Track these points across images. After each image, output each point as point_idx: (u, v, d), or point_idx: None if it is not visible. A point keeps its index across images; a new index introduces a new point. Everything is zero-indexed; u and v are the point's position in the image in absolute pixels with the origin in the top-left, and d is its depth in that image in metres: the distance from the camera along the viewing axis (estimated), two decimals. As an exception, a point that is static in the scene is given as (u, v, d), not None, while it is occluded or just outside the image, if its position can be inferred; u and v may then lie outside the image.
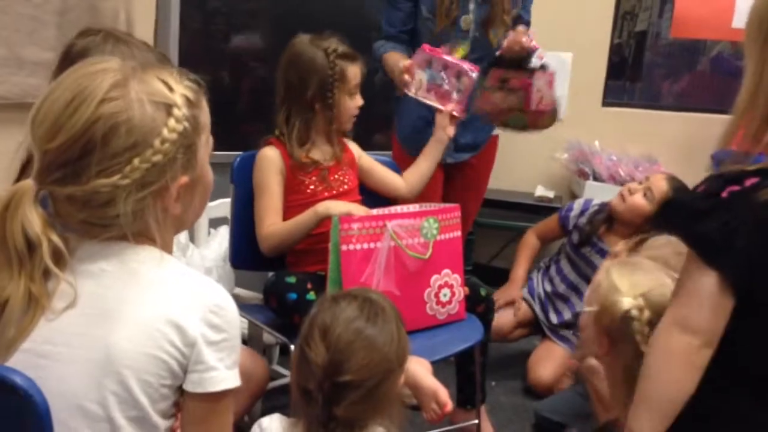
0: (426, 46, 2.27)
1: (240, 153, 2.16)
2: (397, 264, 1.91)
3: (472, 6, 2.52)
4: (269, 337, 2.14)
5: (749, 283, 1.01)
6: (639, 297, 1.33)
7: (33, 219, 1.00)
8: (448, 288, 2.02)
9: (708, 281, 1.03)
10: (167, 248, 1.09)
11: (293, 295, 1.91)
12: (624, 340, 1.34)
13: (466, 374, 2.27)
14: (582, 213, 2.77)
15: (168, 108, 1.03)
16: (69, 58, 1.46)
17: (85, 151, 0.99)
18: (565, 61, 3.25)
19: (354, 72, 2.09)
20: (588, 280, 2.55)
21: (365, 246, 1.87)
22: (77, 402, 0.99)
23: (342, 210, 1.90)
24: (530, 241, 2.92)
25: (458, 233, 2.05)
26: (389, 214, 1.92)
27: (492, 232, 3.60)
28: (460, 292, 2.05)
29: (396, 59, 2.44)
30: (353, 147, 2.25)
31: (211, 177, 1.15)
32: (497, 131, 2.87)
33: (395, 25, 2.60)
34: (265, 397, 2.12)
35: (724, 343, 1.07)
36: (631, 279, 1.37)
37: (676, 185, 2.50)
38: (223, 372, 1.03)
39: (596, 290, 1.43)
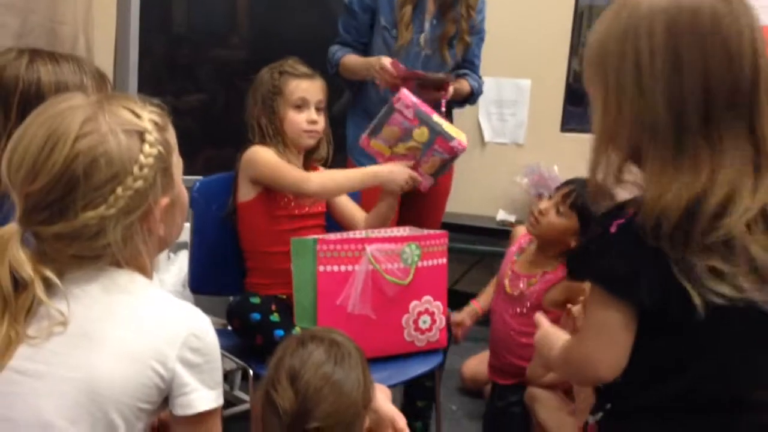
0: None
1: (200, 178, 2.15)
2: (375, 288, 1.89)
3: (427, 25, 2.57)
4: (230, 362, 2.12)
5: (663, 303, 1.02)
6: None
7: (22, 260, 1.02)
8: (428, 315, 1.99)
9: (615, 316, 1.05)
10: (151, 270, 1.13)
11: (257, 316, 1.91)
12: None
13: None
14: None
15: (140, 134, 1.07)
16: None
17: (69, 189, 1.02)
18: (524, 87, 3.32)
19: (295, 85, 2.08)
20: None
21: (342, 268, 1.86)
22: (47, 418, 0.99)
23: (403, 179, 2.08)
24: None
25: (443, 260, 2.02)
26: (369, 238, 1.90)
27: (454, 256, 3.60)
28: (442, 320, 2.02)
29: (364, 59, 2.50)
30: None
31: (186, 194, 1.19)
32: None
33: (351, 34, 2.63)
34: (225, 424, 2.09)
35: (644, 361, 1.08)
36: None
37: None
38: (205, 392, 1.07)
39: None
